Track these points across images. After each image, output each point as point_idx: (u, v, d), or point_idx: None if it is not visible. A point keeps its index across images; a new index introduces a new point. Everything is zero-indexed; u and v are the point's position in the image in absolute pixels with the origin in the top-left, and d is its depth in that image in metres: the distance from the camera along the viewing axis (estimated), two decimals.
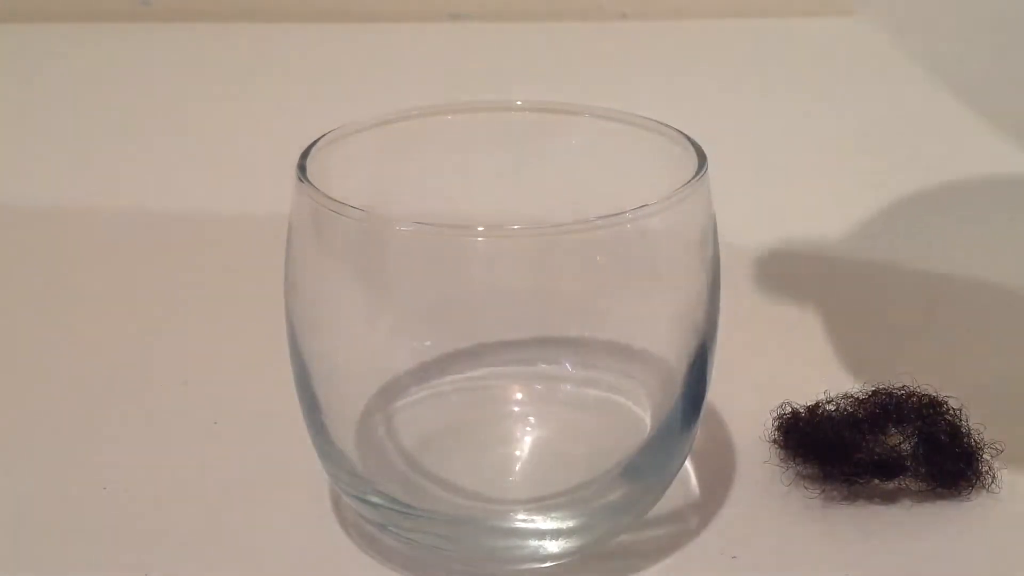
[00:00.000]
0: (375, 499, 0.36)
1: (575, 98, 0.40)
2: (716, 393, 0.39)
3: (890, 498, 0.39)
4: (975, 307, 0.51)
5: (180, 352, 0.48)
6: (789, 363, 0.47)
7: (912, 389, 0.41)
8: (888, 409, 0.40)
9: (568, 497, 0.37)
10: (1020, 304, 0.51)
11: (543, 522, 0.36)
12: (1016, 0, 0.76)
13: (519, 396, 0.41)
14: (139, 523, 0.39)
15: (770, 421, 0.41)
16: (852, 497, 0.39)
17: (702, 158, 0.36)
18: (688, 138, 0.37)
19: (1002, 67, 0.76)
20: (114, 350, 0.48)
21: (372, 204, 0.34)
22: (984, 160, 0.65)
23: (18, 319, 0.51)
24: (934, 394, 0.41)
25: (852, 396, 0.41)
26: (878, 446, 0.39)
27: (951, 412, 0.40)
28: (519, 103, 0.40)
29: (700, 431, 0.38)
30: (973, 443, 0.40)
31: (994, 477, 0.39)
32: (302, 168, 0.35)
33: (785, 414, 0.41)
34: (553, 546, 0.36)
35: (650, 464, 0.37)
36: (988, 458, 0.40)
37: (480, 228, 0.33)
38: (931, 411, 0.40)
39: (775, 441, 0.41)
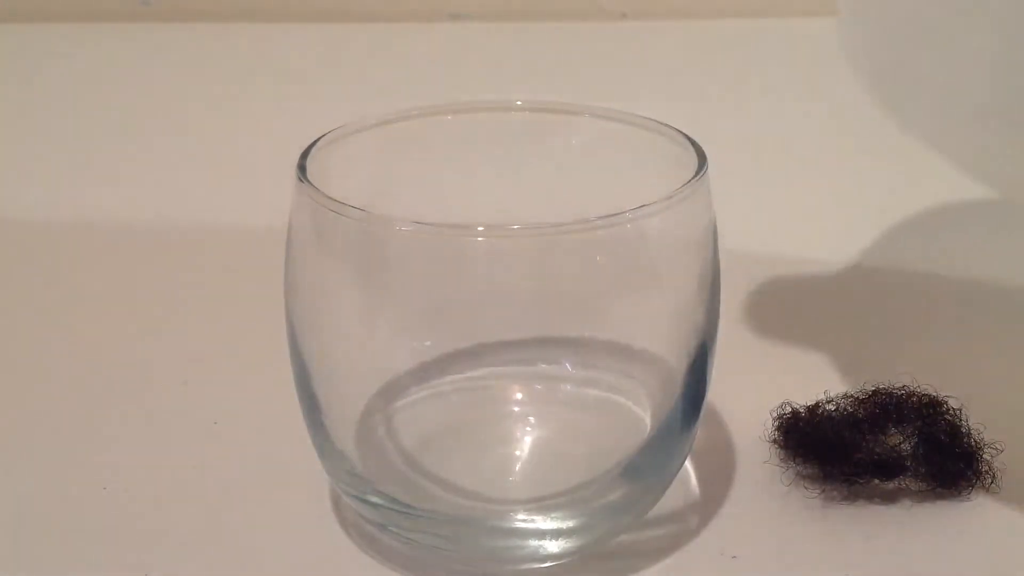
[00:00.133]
0: (375, 499, 0.36)
1: (575, 98, 0.40)
2: (716, 393, 0.39)
3: (890, 498, 0.39)
4: (975, 307, 0.51)
5: (180, 352, 0.48)
6: (789, 363, 0.47)
7: (912, 389, 0.41)
8: (888, 409, 0.40)
9: (568, 497, 0.37)
10: (1020, 304, 0.51)
11: (543, 522, 0.36)
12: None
13: (519, 396, 0.41)
14: (139, 523, 0.39)
15: (770, 421, 0.41)
16: (852, 497, 0.39)
17: (702, 158, 0.36)
18: (688, 138, 0.37)
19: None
20: (114, 350, 0.48)
21: (372, 204, 0.34)
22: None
23: (18, 319, 0.51)
24: (934, 394, 0.41)
25: (852, 396, 0.41)
26: (878, 446, 0.39)
27: (951, 412, 0.40)
28: (519, 103, 0.40)
29: (700, 431, 0.38)
30: (973, 443, 0.40)
31: (994, 477, 0.39)
32: (302, 168, 0.35)
33: (785, 414, 0.41)
34: (553, 546, 0.36)
35: (650, 464, 0.37)
36: (988, 458, 0.40)
37: (480, 228, 0.33)
38: (931, 411, 0.40)
39: (775, 441, 0.41)
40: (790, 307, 0.51)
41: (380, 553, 0.37)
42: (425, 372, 0.39)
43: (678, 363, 0.36)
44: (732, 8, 0.87)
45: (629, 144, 0.39)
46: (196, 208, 0.61)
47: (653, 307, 0.36)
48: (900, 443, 0.40)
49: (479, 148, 0.40)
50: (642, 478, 0.37)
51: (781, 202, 0.61)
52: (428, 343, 0.39)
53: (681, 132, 0.37)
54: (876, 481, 0.39)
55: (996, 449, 0.40)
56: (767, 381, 0.44)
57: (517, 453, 0.39)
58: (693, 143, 0.37)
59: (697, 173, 0.35)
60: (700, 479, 0.40)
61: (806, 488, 0.39)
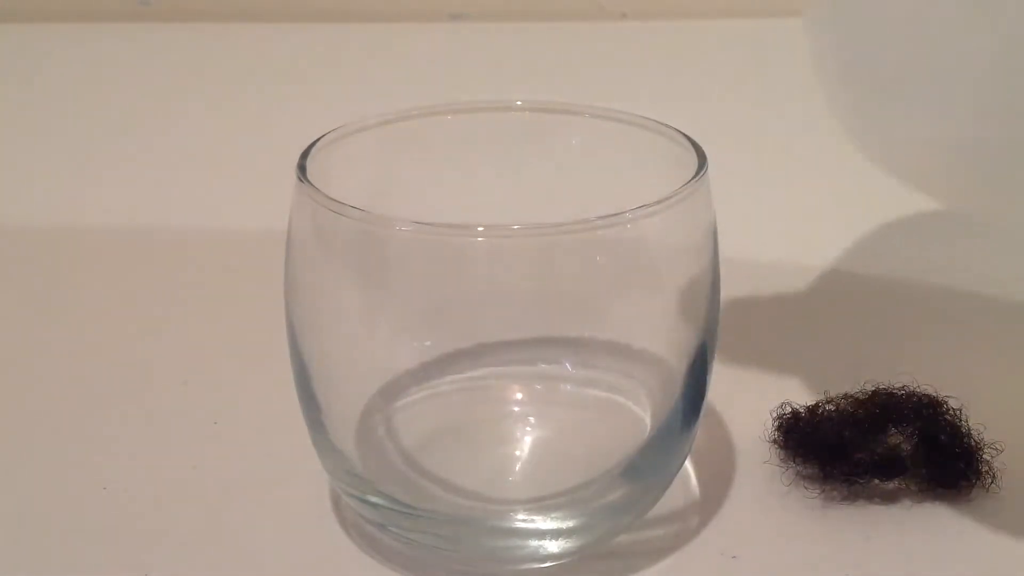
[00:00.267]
0: (375, 499, 0.36)
1: (575, 98, 0.40)
2: (716, 393, 0.39)
3: (890, 498, 0.39)
4: (975, 308, 0.51)
5: (180, 352, 0.48)
6: (789, 363, 0.47)
7: (912, 389, 0.41)
8: (888, 409, 0.40)
9: (568, 497, 0.37)
10: (1020, 304, 0.51)
11: (543, 522, 0.36)
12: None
13: (519, 396, 0.41)
14: (139, 523, 0.39)
15: (770, 421, 0.41)
16: (852, 497, 0.39)
17: (702, 158, 0.36)
18: (688, 138, 0.37)
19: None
20: (114, 350, 0.48)
21: (372, 204, 0.34)
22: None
23: (18, 320, 0.51)
24: (934, 394, 0.41)
25: (852, 396, 0.41)
26: (878, 446, 0.39)
27: (951, 412, 0.40)
28: (519, 103, 0.40)
29: (700, 431, 0.38)
30: (973, 443, 0.40)
31: (994, 477, 0.39)
32: (302, 168, 0.35)
33: (785, 414, 0.41)
34: (553, 546, 0.36)
35: (650, 464, 0.37)
36: (988, 458, 0.40)
37: (480, 228, 0.33)
38: (931, 411, 0.40)
39: (775, 441, 0.41)
40: (790, 307, 0.51)
41: (380, 553, 0.37)
42: (425, 372, 0.39)
43: (678, 363, 0.36)
44: (732, 8, 0.87)
45: (629, 144, 0.39)
46: (196, 208, 0.61)
47: (653, 307, 0.36)
48: (900, 443, 0.40)
49: (479, 148, 0.40)
50: (642, 478, 0.37)
51: (781, 202, 0.61)
52: (428, 343, 0.39)
53: (681, 132, 0.37)
54: (876, 481, 0.39)
55: (996, 449, 0.40)
56: (767, 381, 0.44)
57: (517, 453, 0.39)
58: (693, 143, 0.37)
59: (697, 173, 0.35)
60: (700, 479, 0.40)
61: (806, 488, 0.39)
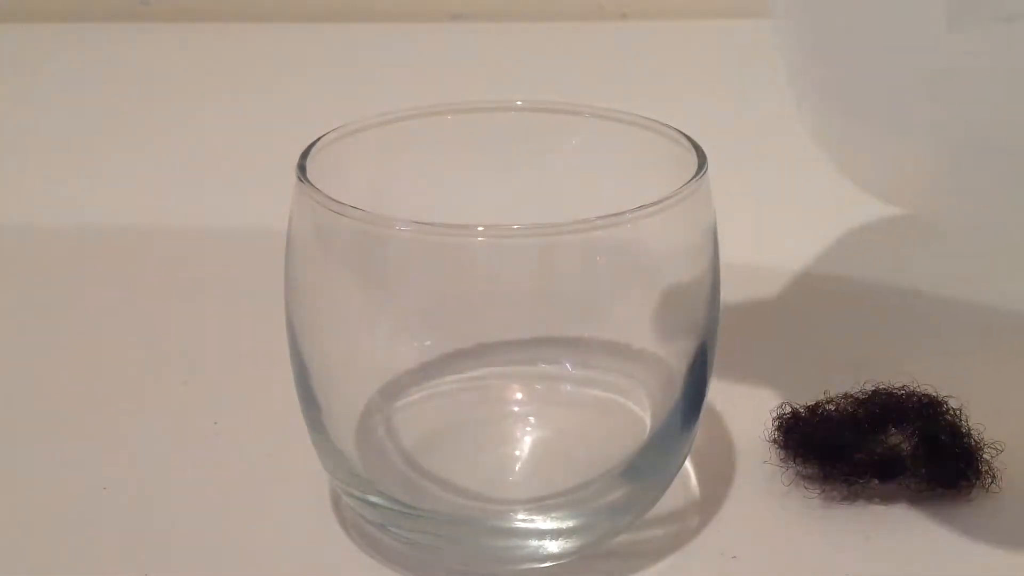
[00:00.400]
0: (375, 499, 0.36)
1: (575, 98, 0.40)
2: (716, 393, 0.39)
3: (890, 498, 0.39)
4: (975, 308, 0.51)
5: (180, 352, 0.48)
6: (789, 363, 0.47)
7: (912, 389, 0.41)
8: (888, 409, 0.40)
9: (568, 497, 0.37)
10: (1020, 304, 0.51)
11: (543, 522, 0.36)
12: None
13: (519, 396, 0.41)
14: (139, 523, 0.39)
15: (770, 421, 0.41)
16: (852, 497, 0.39)
17: (702, 158, 0.36)
18: (688, 138, 0.37)
19: None
20: (114, 350, 0.48)
21: (372, 204, 0.34)
22: None
23: (18, 320, 0.51)
24: (934, 394, 0.41)
25: (852, 396, 0.41)
26: (878, 446, 0.39)
27: (951, 412, 0.40)
28: (519, 103, 0.40)
29: (700, 431, 0.38)
30: (973, 443, 0.40)
31: (994, 477, 0.39)
32: (302, 168, 0.35)
33: (785, 414, 0.41)
34: (553, 546, 0.36)
35: (650, 464, 0.37)
36: (988, 458, 0.40)
37: (480, 228, 0.33)
38: (931, 411, 0.40)
39: (775, 441, 0.41)
40: (790, 307, 0.51)
41: (380, 553, 0.37)
42: (425, 372, 0.39)
43: (678, 363, 0.36)
44: (732, 8, 0.87)
45: (629, 144, 0.39)
46: (196, 208, 0.61)
47: (653, 307, 0.36)
48: (900, 443, 0.40)
49: (479, 148, 0.40)
50: (642, 478, 0.37)
51: (781, 202, 0.61)
52: (428, 343, 0.39)
53: (681, 132, 0.37)
54: (876, 481, 0.39)
55: (996, 449, 0.40)
56: (767, 381, 0.44)
57: (517, 453, 0.39)
58: (693, 143, 0.37)
59: (697, 173, 0.35)
60: (700, 479, 0.40)
61: (806, 488, 0.39)
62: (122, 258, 0.56)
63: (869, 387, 0.41)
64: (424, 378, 0.39)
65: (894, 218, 0.58)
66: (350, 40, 0.86)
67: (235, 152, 0.68)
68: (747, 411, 0.43)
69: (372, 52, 0.83)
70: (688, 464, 0.40)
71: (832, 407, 0.41)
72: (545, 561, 0.36)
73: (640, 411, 0.39)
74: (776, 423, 0.41)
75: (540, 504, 0.37)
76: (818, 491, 0.39)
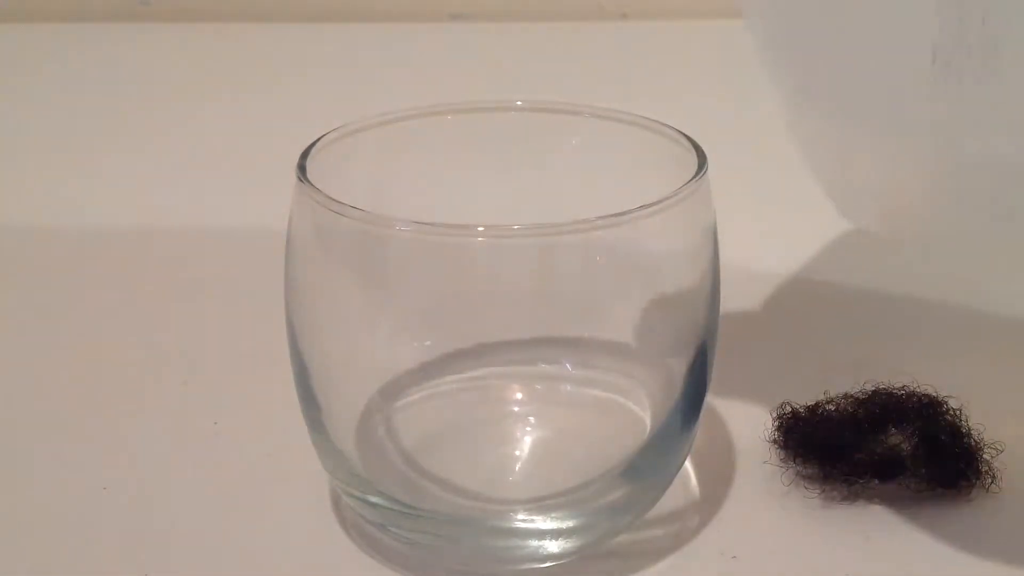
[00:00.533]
0: (375, 499, 0.36)
1: (575, 98, 0.40)
2: (716, 393, 0.39)
3: (890, 498, 0.39)
4: (975, 308, 0.51)
5: (180, 352, 0.48)
6: (789, 363, 0.47)
7: (912, 389, 0.41)
8: (888, 409, 0.40)
9: (568, 497, 0.37)
10: (1020, 304, 0.51)
11: (543, 522, 0.36)
12: None
13: (519, 396, 0.41)
14: (139, 523, 0.39)
15: (770, 421, 0.41)
16: (852, 497, 0.39)
17: (702, 158, 0.36)
18: (688, 138, 0.37)
19: None
20: (114, 350, 0.48)
21: (372, 204, 0.34)
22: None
23: (18, 320, 0.51)
24: (934, 394, 0.41)
25: (852, 396, 0.41)
26: (878, 446, 0.39)
27: (951, 412, 0.40)
28: (519, 103, 0.40)
29: (700, 431, 0.38)
30: (973, 443, 0.40)
31: (994, 477, 0.39)
32: (302, 168, 0.35)
33: (785, 414, 0.41)
34: (553, 546, 0.36)
35: (650, 464, 0.37)
36: (988, 458, 0.40)
37: (480, 228, 0.33)
38: (931, 411, 0.40)
39: (775, 441, 0.41)
40: (790, 307, 0.51)
41: (380, 553, 0.37)
42: (425, 372, 0.39)
43: (678, 363, 0.36)
44: (732, 8, 0.87)
45: (629, 144, 0.39)
46: (196, 208, 0.61)
47: (653, 307, 0.36)
48: (900, 443, 0.40)
49: (479, 148, 0.40)
50: (642, 478, 0.37)
51: (782, 202, 0.60)
52: (428, 343, 0.39)
53: (681, 132, 0.37)
54: (876, 481, 0.39)
55: (996, 449, 0.40)
56: (767, 381, 0.44)
57: (517, 453, 0.39)
58: (693, 143, 0.37)
59: (697, 173, 0.35)
60: (700, 479, 0.40)
61: (806, 488, 0.39)
62: (122, 258, 0.56)
63: (869, 387, 0.41)
64: (424, 378, 0.39)
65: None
66: (350, 40, 0.86)
67: (235, 152, 0.68)
68: (747, 411, 0.43)
69: (372, 52, 0.83)
70: (688, 464, 0.40)
71: (832, 407, 0.41)
72: (545, 561, 0.36)
73: (640, 411, 0.39)
74: (776, 423, 0.41)
75: (540, 504, 0.37)
76: (818, 491, 0.39)
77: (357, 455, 0.37)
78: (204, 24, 0.87)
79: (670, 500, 0.38)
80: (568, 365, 0.40)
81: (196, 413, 0.44)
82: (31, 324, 0.51)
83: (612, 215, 0.33)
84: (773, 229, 0.57)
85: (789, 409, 0.41)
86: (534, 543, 0.36)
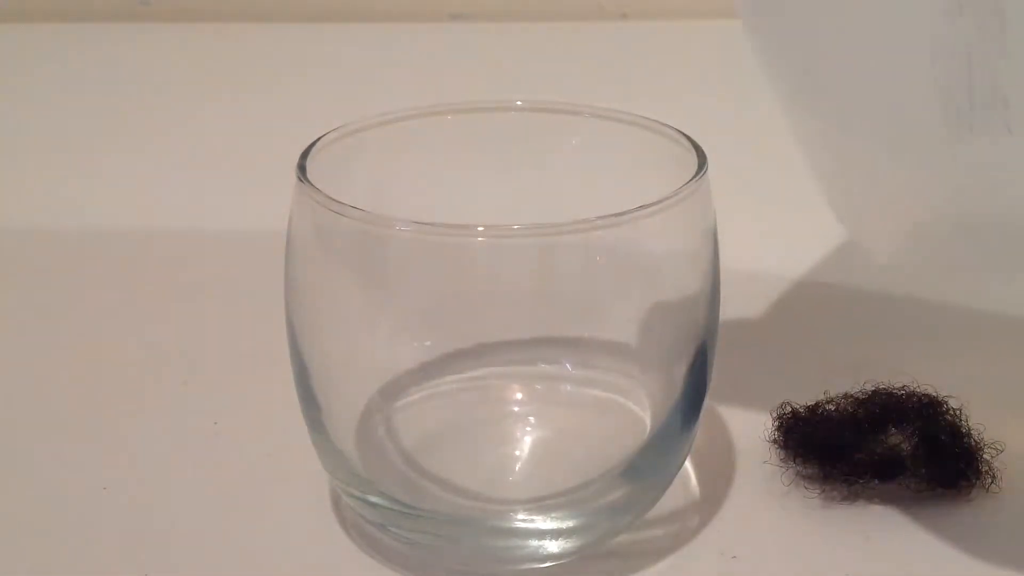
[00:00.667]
0: (375, 499, 0.36)
1: (575, 98, 0.40)
2: (716, 393, 0.39)
3: (890, 498, 0.39)
4: (975, 307, 0.51)
5: (180, 352, 0.48)
6: (789, 363, 0.47)
7: (912, 389, 0.41)
8: (888, 409, 0.40)
9: (568, 497, 0.37)
10: (1020, 304, 0.51)
11: (543, 522, 0.36)
12: None
13: (519, 396, 0.41)
14: (139, 523, 0.39)
15: (770, 421, 0.41)
16: (852, 497, 0.39)
17: (702, 158, 0.36)
18: (688, 138, 0.37)
19: None
20: (114, 351, 0.48)
21: (372, 204, 0.34)
22: None
23: (18, 320, 0.51)
24: (934, 394, 0.41)
25: (852, 396, 0.41)
26: (878, 446, 0.39)
27: (951, 412, 0.40)
28: (519, 103, 0.40)
29: (700, 431, 0.38)
30: (973, 443, 0.40)
31: (994, 477, 0.39)
32: (302, 168, 0.35)
33: (785, 414, 0.41)
34: (553, 546, 0.36)
35: (650, 464, 0.37)
36: (988, 458, 0.40)
37: (480, 228, 0.33)
38: (931, 411, 0.40)
39: (775, 441, 0.41)
40: (790, 307, 0.51)
41: (380, 553, 0.37)
42: (425, 372, 0.39)
43: (678, 363, 0.36)
44: (732, 8, 0.87)
45: (629, 144, 0.39)
46: (196, 208, 0.61)
47: (653, 307, 0.36)
48: (900, 443, 0.40)
49: (479, 148, 0.40)
50: (642, 478, 0.37)
51: (782, 202, 0.60)
52: (428, 343, 0.39)
53: (681, 132, 0.37)
54: (876, 481, 0.39)
55: (996, 449, 0.40)
56: (767, 381, 0.44)
57: (517, 453, 0.39)
58: (693, 143, 0.37)
59: (697, 173, 0.35)
60: (700, 479, 0.40)
61: (806, 488, 0.39)
62: (122, 258, 0.56)
63: (869, 387, 0.41)
64: (424, 378, 0.39)
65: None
66: (350, 40, 0.85)
67: (235, 152, 0.68)
68: (747, 411, 0.43)
69: (372, 52, 0.83)
70: (688, 464, 0.40)
71: (832, 407, 0.41)
72: (545, 561, 0.36)
73: (640, 411, 0.39)
74: (776, 423, 0.41)
75: (540, 504, 0.37)
76: (818, 491, 0.39)
77: (357, 455, 0.37)
78: (204, 24, 0.87)
79: (670, 500, 0.38)
80: (568, 365, 0.40)
81: (196, 413, 0.44)
82: (31, 324, 0.51)
83: (612, 215, 0.33)
84: (773, 229, 0.57)
85: (789, 409, 0.41)
86: (534, 543, 0.36)
